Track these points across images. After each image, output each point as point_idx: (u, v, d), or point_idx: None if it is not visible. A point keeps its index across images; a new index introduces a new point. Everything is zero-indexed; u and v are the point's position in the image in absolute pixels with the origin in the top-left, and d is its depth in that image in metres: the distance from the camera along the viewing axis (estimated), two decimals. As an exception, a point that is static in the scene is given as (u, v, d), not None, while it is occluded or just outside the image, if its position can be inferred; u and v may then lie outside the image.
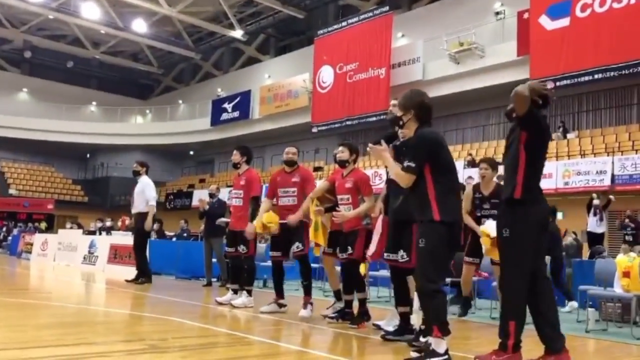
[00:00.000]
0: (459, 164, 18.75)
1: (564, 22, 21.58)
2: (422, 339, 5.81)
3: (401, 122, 5.40)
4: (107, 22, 37.99)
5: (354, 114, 29.13)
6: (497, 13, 25.27)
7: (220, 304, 8.88)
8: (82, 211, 40.37)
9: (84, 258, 17.23)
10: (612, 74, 19.97)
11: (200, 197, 16.75)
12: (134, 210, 12.41)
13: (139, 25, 37.97)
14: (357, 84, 29.13)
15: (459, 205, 5.26)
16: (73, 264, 17.40)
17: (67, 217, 37.31)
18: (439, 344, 4.92)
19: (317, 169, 28.83)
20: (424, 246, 5.03)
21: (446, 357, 4.89)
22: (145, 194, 12.26)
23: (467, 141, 25.29)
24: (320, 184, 7.91)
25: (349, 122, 29.48)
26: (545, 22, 21.99)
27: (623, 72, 19.83)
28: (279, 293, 8.45)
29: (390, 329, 6.52)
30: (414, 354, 5.20)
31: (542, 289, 5.10)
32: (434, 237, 5.00)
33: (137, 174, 12.48)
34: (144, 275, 12.16)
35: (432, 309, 5.03)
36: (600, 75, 20.32)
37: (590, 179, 18.62)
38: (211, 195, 13.34)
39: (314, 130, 31.12)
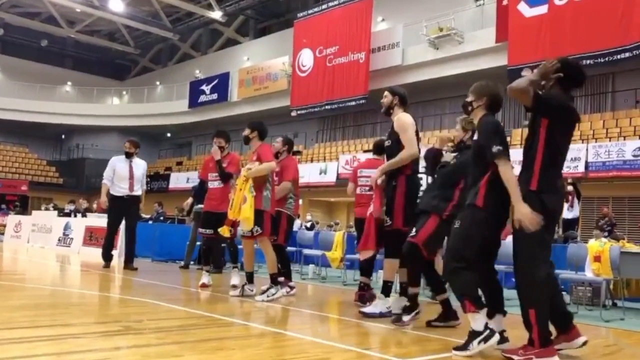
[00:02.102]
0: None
1: (543, 9, 21.74)
2: (405, 318, 6.21)
3: (470, 108, 5.49)
4: (84, 0, 37.31)
5: (333, 98, 29.13)
6: None
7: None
8: (57, 193, 40.09)
9: (59, 240, 17.18)
10: (588, 62, 20.14)
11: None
12: (130, 193, 11.54)
13: (116, 4, 37.41)
14: (337, 67, 29.12)
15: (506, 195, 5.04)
16: (47, 245, 17.37)
17: (42, 199, 37.74)
18: (475, 320, 4.95)
19: (295, 152, 28.60)
20: (457, 227, 5.15)
21: (487, 332, 4.92)
22: (143, 177, 11.92)
23: (445, 127, 25.35)
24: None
25: (328, 107, 29.49)
26: (524, 9, 22.14)
27: (599, 60, 20.04)
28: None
29: (375, 310, 6.76)
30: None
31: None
32: (468, 219, 5.11)
33: (130, 155, 11.79)
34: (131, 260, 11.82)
35: (457, 284, 5.10)
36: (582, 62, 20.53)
37: (564, 165, 18.82)
38: None
39: (293, 114, 31.05)
